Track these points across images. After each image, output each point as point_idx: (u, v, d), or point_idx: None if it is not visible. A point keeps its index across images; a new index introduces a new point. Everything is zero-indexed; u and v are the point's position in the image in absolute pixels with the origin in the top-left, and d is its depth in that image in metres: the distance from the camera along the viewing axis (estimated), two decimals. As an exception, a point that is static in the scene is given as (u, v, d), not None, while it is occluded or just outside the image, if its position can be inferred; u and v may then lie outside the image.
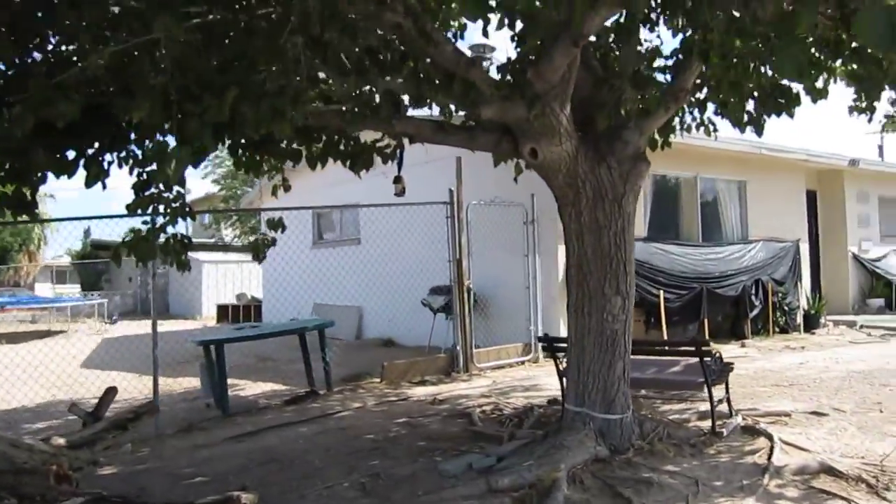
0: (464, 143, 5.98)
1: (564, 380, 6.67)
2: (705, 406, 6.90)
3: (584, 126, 5.77)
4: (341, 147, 6.66)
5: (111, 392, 6.45)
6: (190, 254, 19.86)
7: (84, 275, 25.32)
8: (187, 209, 7.12)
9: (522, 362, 9.99)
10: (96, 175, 5.74)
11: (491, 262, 10.17)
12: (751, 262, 12.09)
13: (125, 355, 12.17)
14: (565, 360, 6.61)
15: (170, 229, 7.17)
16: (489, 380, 9.13)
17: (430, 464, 5.75)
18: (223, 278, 21.04)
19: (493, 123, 5.67)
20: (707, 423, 6.16)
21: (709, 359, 5.77)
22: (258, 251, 7.76)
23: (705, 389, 5.85)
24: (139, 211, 7.21)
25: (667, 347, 6.48)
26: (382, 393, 8.64)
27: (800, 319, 12.45)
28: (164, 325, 20.11)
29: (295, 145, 6.54)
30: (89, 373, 11.92)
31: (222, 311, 19.50)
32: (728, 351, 10.67)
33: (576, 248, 5.79)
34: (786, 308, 12.03)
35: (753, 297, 11.58)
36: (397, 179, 7.23)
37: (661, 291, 10.44)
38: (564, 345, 6.56)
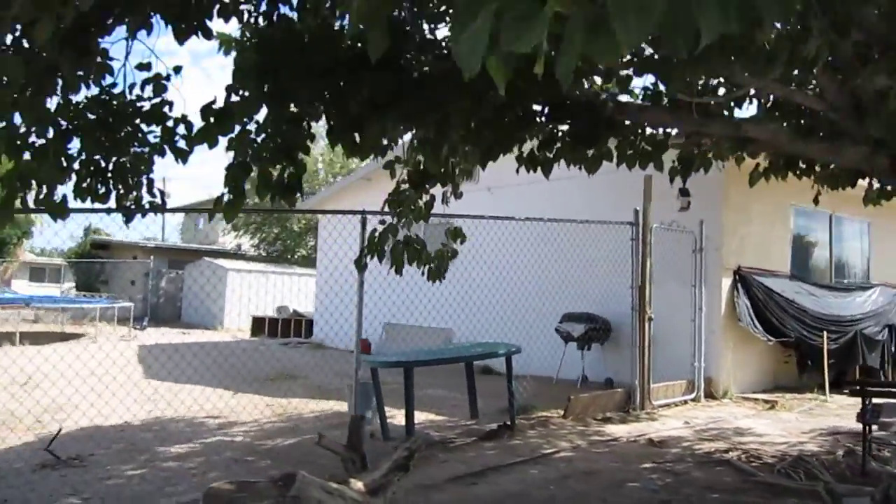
0: (824, 154, 5.22)
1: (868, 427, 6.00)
2: None
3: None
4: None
5: (359, 423, 5.40)
6: (213, 261, 18.77)
7: (79, 275, 23.47)
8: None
9: (685, 401, 9.21)
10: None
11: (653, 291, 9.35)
12: (872, 306, 11.63)
13: (185, 366, 10.88)
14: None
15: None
16: (677, 420, 8.32)
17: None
18: (248, 288, 19.68)
19: (867, 134, 4.94)
20: None
21: None
22: (441, 265, 6.76)
23: None
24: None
25: None
26: (577, 430, 7.74)
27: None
28: (191, 336, 18.72)
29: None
30: (164, 386, 10.66)
31: (258, 323, 18.14)
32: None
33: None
34: (911, 357, 11.59)
35: (891, 343, 11.12)
36: (684, 192, 6.42)
37: (825, 334, 9.85)
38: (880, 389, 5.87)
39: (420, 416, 8.58)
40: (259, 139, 4.97)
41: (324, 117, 5.11)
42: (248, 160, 4.90)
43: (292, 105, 4.68)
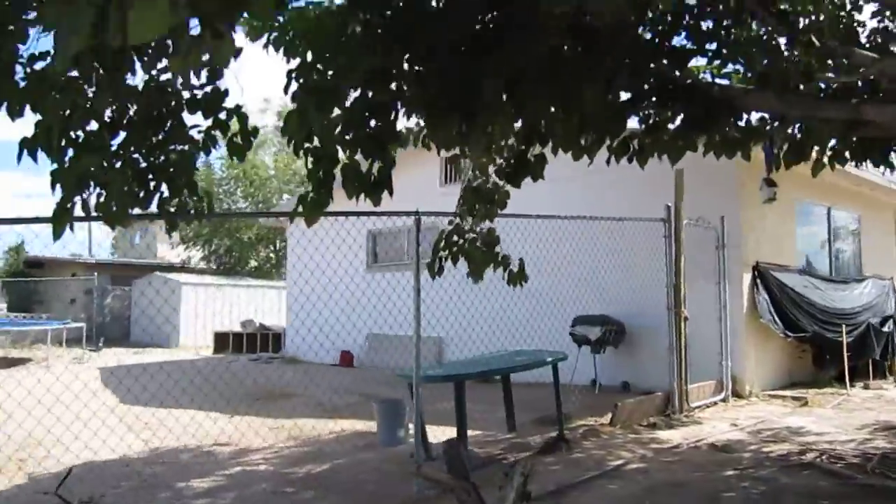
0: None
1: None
2: None
3: None
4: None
5: (457, 446, 4.82)
6: (167, 275, 17.75)
7: (11, 295, 21.68)
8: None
9: (715, 402, 8.92)
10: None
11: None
12: (867, 298, 11.68)
13: (160, 388, 9.90)
14: None
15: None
16: (722, 422, 8.01)
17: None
18: (204, 303, 18.57)
19: None
20: None
21: None
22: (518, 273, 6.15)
23: None
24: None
25: None
26: (631, 439, 7.33)
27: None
28: (149, 355, 17.50)
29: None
30: (146, 412, 9.73)
31: (221, 339, 17.08)
32: (894, 391, 10.12)
33: None
34: (902, 348, 11.67)
35: (894, 336, 11.17)
36: (770, 182, 6.02)
37: (844, 328, 9.76)
38: None
39: (452, 431, 8.02)
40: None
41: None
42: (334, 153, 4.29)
43: (393, 85, 4.08)
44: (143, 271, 21.83)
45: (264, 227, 23.79)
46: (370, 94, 4.22)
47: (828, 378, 10.15)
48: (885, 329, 10.97)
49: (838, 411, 8.61)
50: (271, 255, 26.60)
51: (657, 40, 4.63)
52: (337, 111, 4.33)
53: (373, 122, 4.32)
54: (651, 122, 4.79)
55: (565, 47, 3.99)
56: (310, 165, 4.29)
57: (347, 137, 4.30)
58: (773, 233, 10.25)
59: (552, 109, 3.93)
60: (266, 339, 16.71)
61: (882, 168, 6.15)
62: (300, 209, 4.38)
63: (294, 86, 4.41)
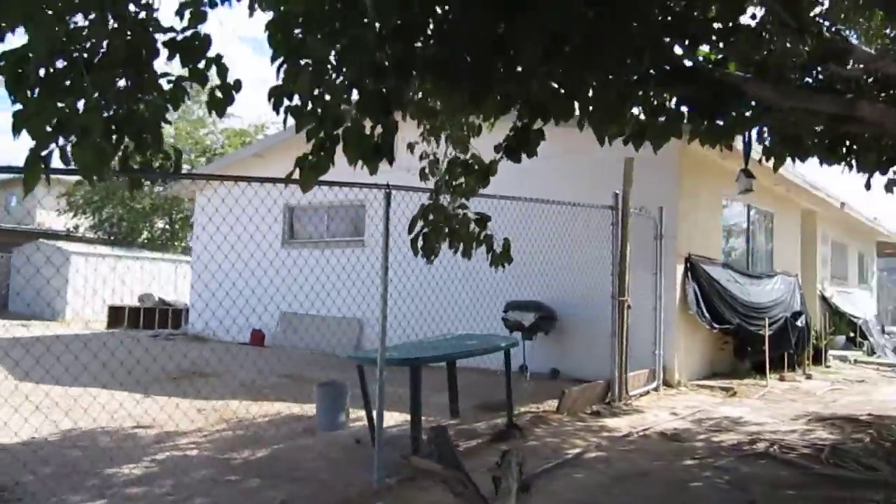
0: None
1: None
2: None
3: None
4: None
5: (445, 434, 4.52)
6: (55, 243, 16.68)
7: None
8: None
9: (648, 391, 9.02)
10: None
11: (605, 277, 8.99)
12: (777, 294, 12.18)
13: (58, 364, 9.03)
14: None
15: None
16: (662, 411, 8.08)
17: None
18: (95, 274, 17.28)
19: None
20: None
21: None
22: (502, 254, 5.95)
23: None
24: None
25: None
26: (580, 426, 7.27)
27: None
28: (35, 328, 16.13)
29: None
30: (46, 389, 8.86)
31: (116, 313, 15.93)
32: (806, 383, 10.58)
33: None
34: (813, 341, 12.26)
35: (805, 330, 11.68)
36: (748, 174, 5.93)
37: (766, 321, 10.09)
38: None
39: (395, 417, 7.70)
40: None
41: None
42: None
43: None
44: (25, 238, 20.13)
45: (161, 197, 22.48)
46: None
47: (746, 369, 10.51)
48: (799, 324, 11.47)
49: (766, 402, 8.89)
50: (167, 226, 25.17)
51: (670, 20, 4.48)
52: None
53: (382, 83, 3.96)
54: (653, 104, 4.66)
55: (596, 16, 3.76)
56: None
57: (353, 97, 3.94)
58: (703, 226, 10.47)
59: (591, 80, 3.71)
60: (165, 314, 15.77)
61: (843, 167, 6.26)
62: (297, 173, 3.97)
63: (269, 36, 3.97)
